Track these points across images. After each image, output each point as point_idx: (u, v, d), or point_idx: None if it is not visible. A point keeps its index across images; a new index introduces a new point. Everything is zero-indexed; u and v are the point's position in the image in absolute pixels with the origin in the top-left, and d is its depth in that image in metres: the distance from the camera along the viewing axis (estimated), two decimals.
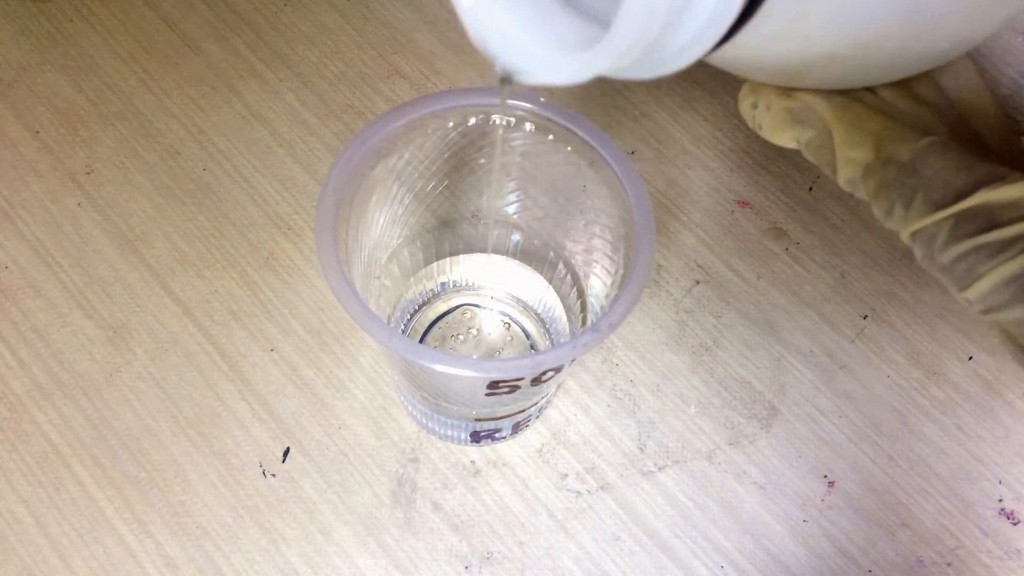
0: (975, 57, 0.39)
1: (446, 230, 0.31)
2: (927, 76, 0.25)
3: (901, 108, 0.23)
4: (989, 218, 0.20)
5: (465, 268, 0.32)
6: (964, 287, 0.21)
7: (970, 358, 0.33)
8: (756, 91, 0.24)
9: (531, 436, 0.31)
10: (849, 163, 0.23)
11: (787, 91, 0.24)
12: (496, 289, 0.32)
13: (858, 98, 0.23)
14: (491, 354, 0.32)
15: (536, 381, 0.24)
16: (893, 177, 0.22)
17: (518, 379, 0.23)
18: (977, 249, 0.20)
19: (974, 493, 0.31)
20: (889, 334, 0.34)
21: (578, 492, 0.31)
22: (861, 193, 0.23)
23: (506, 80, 0.19)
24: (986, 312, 0.21)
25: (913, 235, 0.22)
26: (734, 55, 0.18)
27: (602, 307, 0.27)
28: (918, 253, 0.22)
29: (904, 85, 0.24)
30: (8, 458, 0.30)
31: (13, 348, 0.32)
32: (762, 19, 0.17)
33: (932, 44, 0.21)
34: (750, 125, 0.25)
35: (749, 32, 0.17)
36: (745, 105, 0.25)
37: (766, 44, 0.18)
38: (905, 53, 0.22)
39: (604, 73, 0.16)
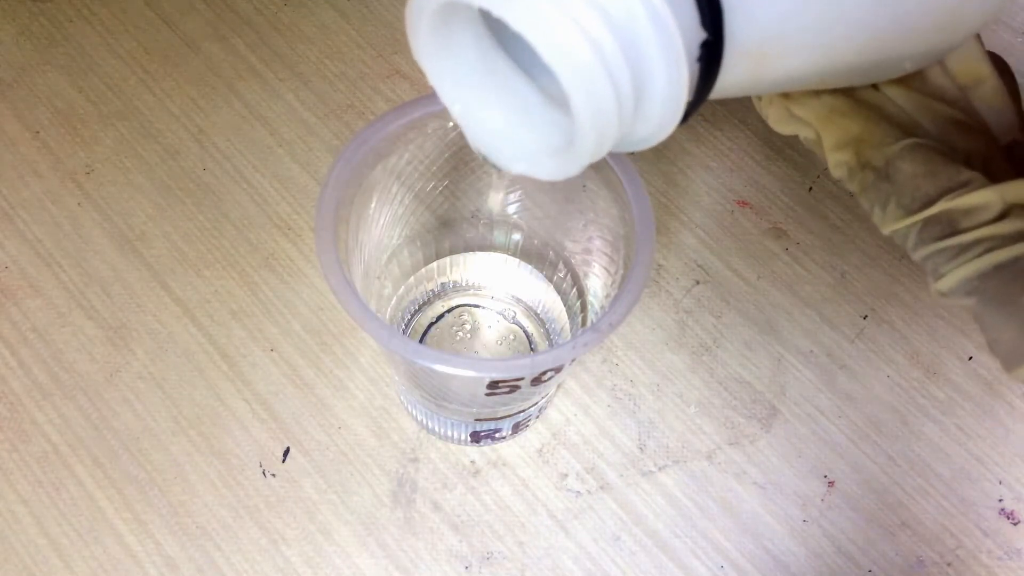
0: None
1: (446, 230, 0.31)
2: None
3: (892, 98, 0.24)
4: (950, 224, 0.22)
5: (465, 268, 0.32)
6: (935, 280, 0.23)
7: (970, 358, 0.33)
8: None
9: (531, 436, 0.31)
10: (837, 165, 0.24)
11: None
12: (496, 289, 0.32)
13: (850, 93, 0.24)
14: (491, 354, 0.32)
15: (536, 381, 0.24)
16: (871, 181, 0.23)
17: (518, 379, 0.23)
18: (939, 252, 0.22)
19: (974, 493, 0.31)
20: (889, 334, 0.34)
21: (578, 492, 0.31)
22: (850, 188, 0.24)
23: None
24: (954, 305, 0.23)
25: (891, 233, 0.23)
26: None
27: (602, 307, 0.27)
28: (899, 245, 0.24)
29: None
30: (8, 458, 0.30)
31: (13, 348, 0.32)
32: (715, 91, 0.17)
33: (892, 70, 0.23)
34: (761, 115, 0.26)
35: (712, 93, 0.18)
36: (753, 97, 0.25)
37: (733, 91, 0.19)
38: (865, 80, 0.23)
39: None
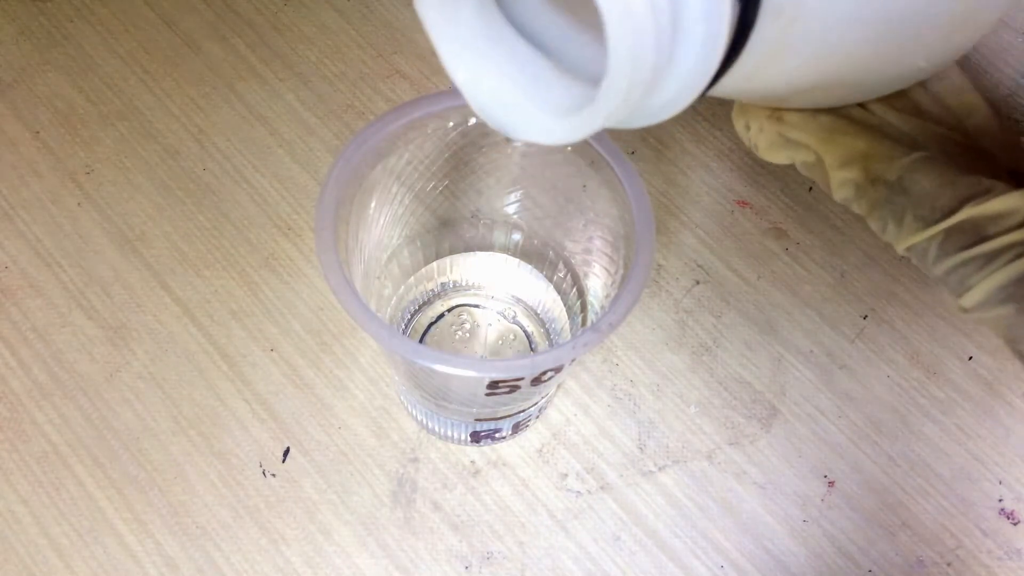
0: (974, 57, 0.39)
1: (446, 230, 0.31)
2: (916, 84, 0.25)
3: (889, 120, 0.24)
4: (976, 232, 0.21)
5: (465, 268, 0.32)
6: (958, 295, 0.22)
7: (970, 358, 0.33)
8: (747, 112, 0.25)
9: (531, 436, 0.31)
10: (842, 184, 0.23)
11: (776, 113, 0.24)
12: (496, 289, 0.32)
13: (846, 114, 0.23)
14: (491, 354, 0.32)
15: (536, 381, 0.24)
16: (883, 197, 0.22)
17: (518, 379, 0.23)
18: (966, 262, 0.21)
19: (974, 493, 0.31)
20: (889, 334, 0.34)
21: (578, 492, 0.31)
22: (856, 209, 0.23)
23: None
24: (981, 319, 0.22)
25: (907, 249, 0.22)
26: (716, 89, 0.18)
27: (602, 307, 0.27)
28: (916, 263, 0.23)
29: (893, 95, 0.24)
30: (8, 458, 0.30)
31: (13, 348, 0.32)
32: (739, 64, 0.17)
33: (909, 67, 0.22)
34: (746, 144, 0.25)
35: (727, 75, 0.17)
36: (739, 126, 0.25)
37: (745, 82, 0.19)
38: (883, 77, 0.22)
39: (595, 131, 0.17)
